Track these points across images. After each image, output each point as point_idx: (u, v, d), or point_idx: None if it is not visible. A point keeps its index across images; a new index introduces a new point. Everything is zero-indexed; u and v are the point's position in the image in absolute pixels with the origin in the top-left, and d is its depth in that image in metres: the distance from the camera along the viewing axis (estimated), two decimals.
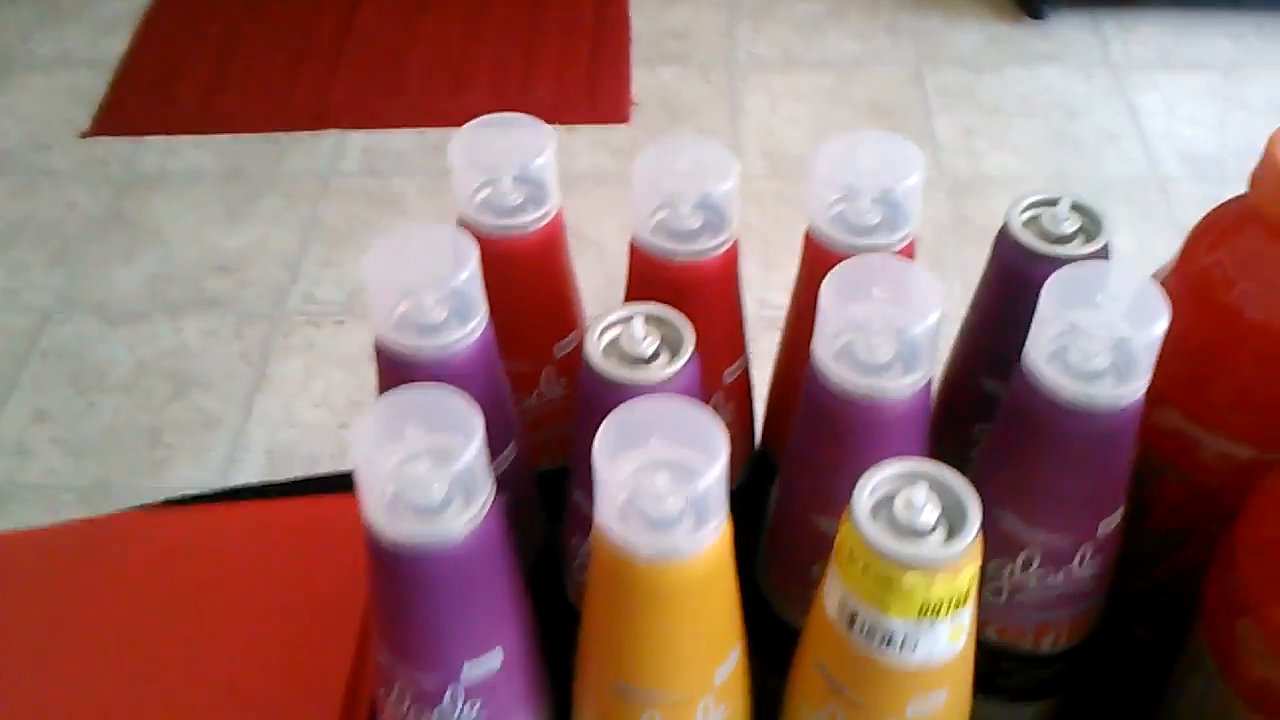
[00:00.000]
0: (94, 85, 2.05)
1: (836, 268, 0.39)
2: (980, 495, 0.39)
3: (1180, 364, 0.44)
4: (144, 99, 2.01)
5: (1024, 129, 1.89)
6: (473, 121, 0.45)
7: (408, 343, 0.40)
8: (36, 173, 1.91)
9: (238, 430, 1.56)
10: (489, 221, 0.44)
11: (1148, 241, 1.67)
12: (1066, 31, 2.09)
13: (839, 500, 0.36)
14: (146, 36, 2.12)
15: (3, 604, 0.53)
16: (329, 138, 1.94)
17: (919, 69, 2.02)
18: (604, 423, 0.34)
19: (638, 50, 2.07)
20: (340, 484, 0.58)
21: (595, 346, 0.40)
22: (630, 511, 0.34)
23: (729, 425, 0.47)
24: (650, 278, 0.43)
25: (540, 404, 0.49)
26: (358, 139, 1.93)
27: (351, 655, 0.48)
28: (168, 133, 1.96)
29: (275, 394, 1.61)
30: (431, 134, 1.92)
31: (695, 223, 0.43)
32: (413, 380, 0.40)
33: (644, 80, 2.01)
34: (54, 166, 1.92)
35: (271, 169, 1.90)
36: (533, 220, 0.44)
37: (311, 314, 1.70)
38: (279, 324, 1.69)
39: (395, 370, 0.40)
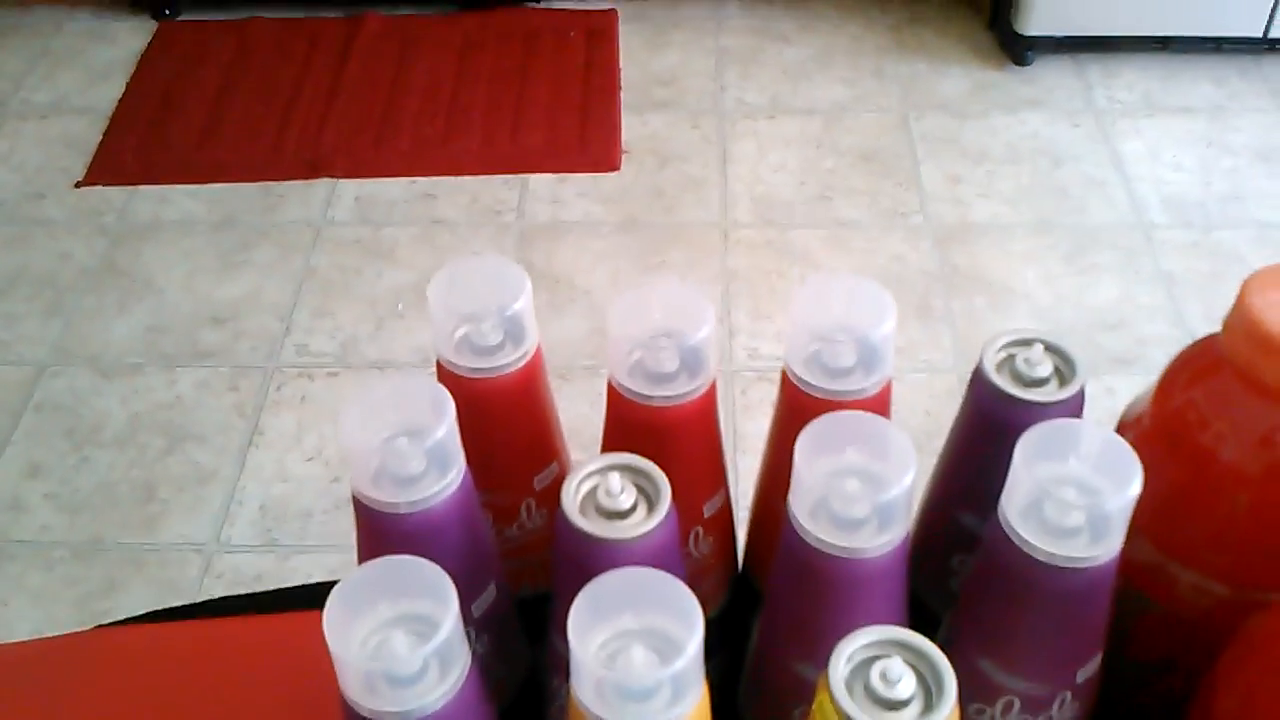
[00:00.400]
0: (88, 133, 2.06)
1: (812, 424, 0.39)
2: (959, 640, 0.40)
3: (1155, 501, 0.45)
4: (138, 147, 2.02)
5: (1010, 175, 1.90)
6: (450, 264, 0.45)
7: (386, 496, 0.40)
8: (31, 223, 1.92)
9: (231, 484, 1.56)
10: (468, 363, 0.44)
11: (1132, 289, 1.67)
12: (1051, 77, 2.10)
13: (819, 649, 0.36)
14: (139, 84, 2.13)
15: None
16: (321, 187, 1.94)
17: (905, 115, 2.03)
18: (578, 598, 0.35)
19: (627, 97, 2.08)
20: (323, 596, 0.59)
21: (573, 499, 0.40)
22: (606, 687, 0.34)
23: (709, 556, 0.48)
24: (629, 419, 0.44)
25: (521, 534, 0.49)
26: (350, 188, 1.94)
27: None
28: (161, 181, 1.97)
29: (268, 448, 1.61)
30: (423, 182, 1.93)
31: (673, 365, 0.44)
32: (392, 530, 0.40)
33: (634, 126, 2.02)
34: (49, 216, 1.93)
35: (264, 218, 1.91)
36: (512, 360, 0.45)
37: (304, 365, 1.70)
38: (272, 376, 1.69)
39: (374, 520, 0.41)
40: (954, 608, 0.43)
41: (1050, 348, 0.44)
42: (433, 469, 0.40)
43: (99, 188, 1.97)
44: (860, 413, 0.41)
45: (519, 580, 0.49)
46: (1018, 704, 0.41)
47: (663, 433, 0.43)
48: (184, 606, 0.59)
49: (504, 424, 0.46)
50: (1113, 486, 0.37)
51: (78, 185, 1.97)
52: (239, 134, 2.03)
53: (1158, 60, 2.10)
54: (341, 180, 1.95)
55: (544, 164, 1.92)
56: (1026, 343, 0.44)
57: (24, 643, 0.58)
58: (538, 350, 0.46)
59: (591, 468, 0.41)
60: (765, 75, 2.12)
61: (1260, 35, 1.99)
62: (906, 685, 0.34)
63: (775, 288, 1.72)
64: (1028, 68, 2.10)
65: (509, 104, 2.03)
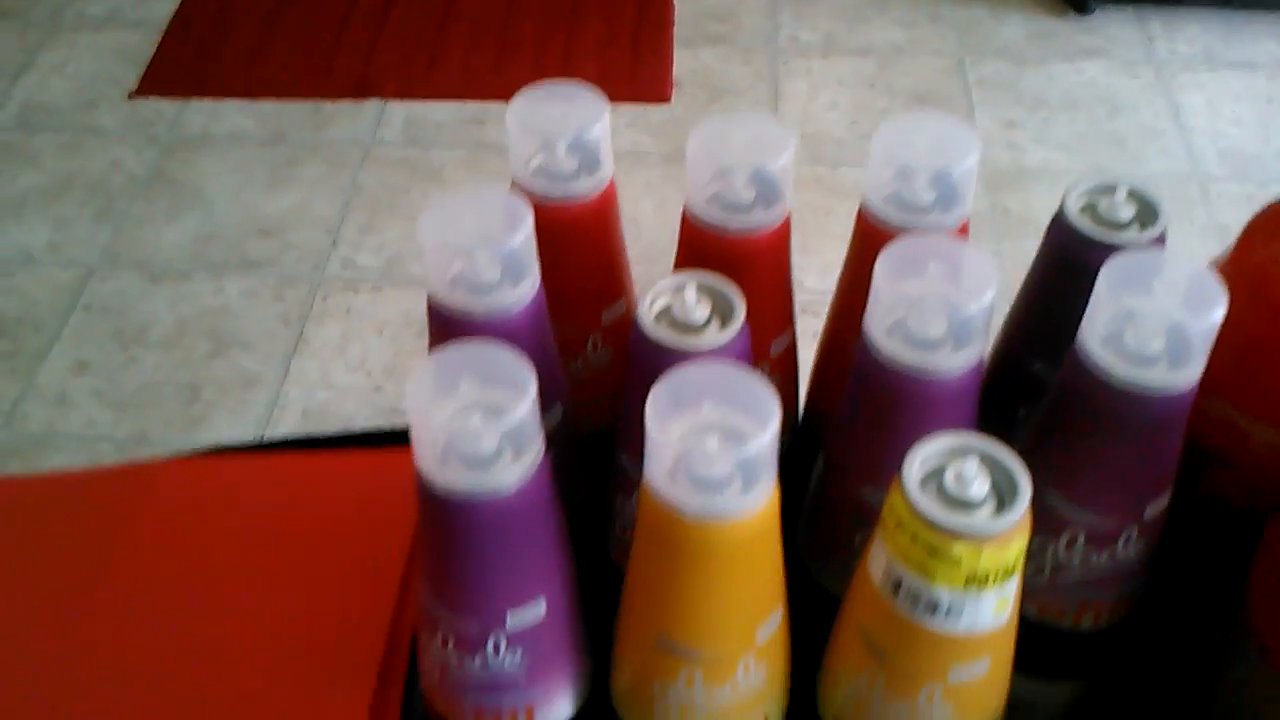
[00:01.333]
0: (141, 46, 2.06)
1: (891, 244, 0.39)
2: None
3: (1231, 356, 0.44)
4: (190, 61, 2.03)
5: (1066, 123, 1.88)
6: (529, 88, 0.45)
7: (460, 302, 0.40)
8: (84, 131, 1.93)
9: (275, 390, 1.57)
10: (543, 188, 0.44)
11: (1186, 240, 1.65)
12: (1112, 28, 2.07)
13: (885, 473, 0.36)
14: None
15: (41, 545, 0.54)
16: (371, 107, 1.94)
17: (961, 59, 2.01)
18: (656, 384, 0.35)
19: (680, 31, 2.06)
20: (381, 440, 0.59)
21: (648, 313, 0.40)
22: (679, 472, 0.35)
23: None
24: (702, 249, 0.44)
25: (585, 369, 0.49)
26: (399, 109, 1.94)
27: (393, 604, 0.49)
28: (213, 95, 1.97)
29: (313, 356, 1.62)
30: (472, 107, 1.93)
31: (749, 196, 0.44)
32: (464, 336, 0.40)
33: (685, 61, 2.00)
34: (101, 125, 1.94)
35: (314, 135, 1.91)
36: (586, 188, 0.45)
37: (350, 279, 1.71)
38: (318, 288, 1.70)
39: (447, 329, 0.41)
40: (1021, 443, 0.42)
41: (1133, 193, 0.44)
42: (508, 278, 0.41)
43: (151, 99, 1.97)
44: (940, 235, 0.41)
45: (579, 419, 0.50)
46: (1082, 538, 0.41)
47: (735, 263, 0.43)
48: (243, 444, 0.59)
49: (575, 253, 0.46)
50: (1196, 312, 0.37)
51: (130, 96, 1.98)
52: (291, 52, 2.03)
53: (1220, 15, 2.07)
54: (391, 101, 1.95)
55: None
56: (1108, 188, 0.44)
57: (78, 472, 0.58)
58: (612, 182, 0.46)
59: (667, 285, 0.41)
60: (820, 15, 2.10)
61: None
62: (980, 486, 0.34)
63: (823, 225, 1.71)
64: (1089, 17, 2.07)
65: (561, 33, 2.02)
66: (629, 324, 0.41)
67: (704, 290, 0.41)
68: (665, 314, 0.40)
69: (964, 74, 1.98)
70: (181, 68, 2.02)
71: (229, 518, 0.54)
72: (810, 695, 0.43)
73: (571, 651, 0.42)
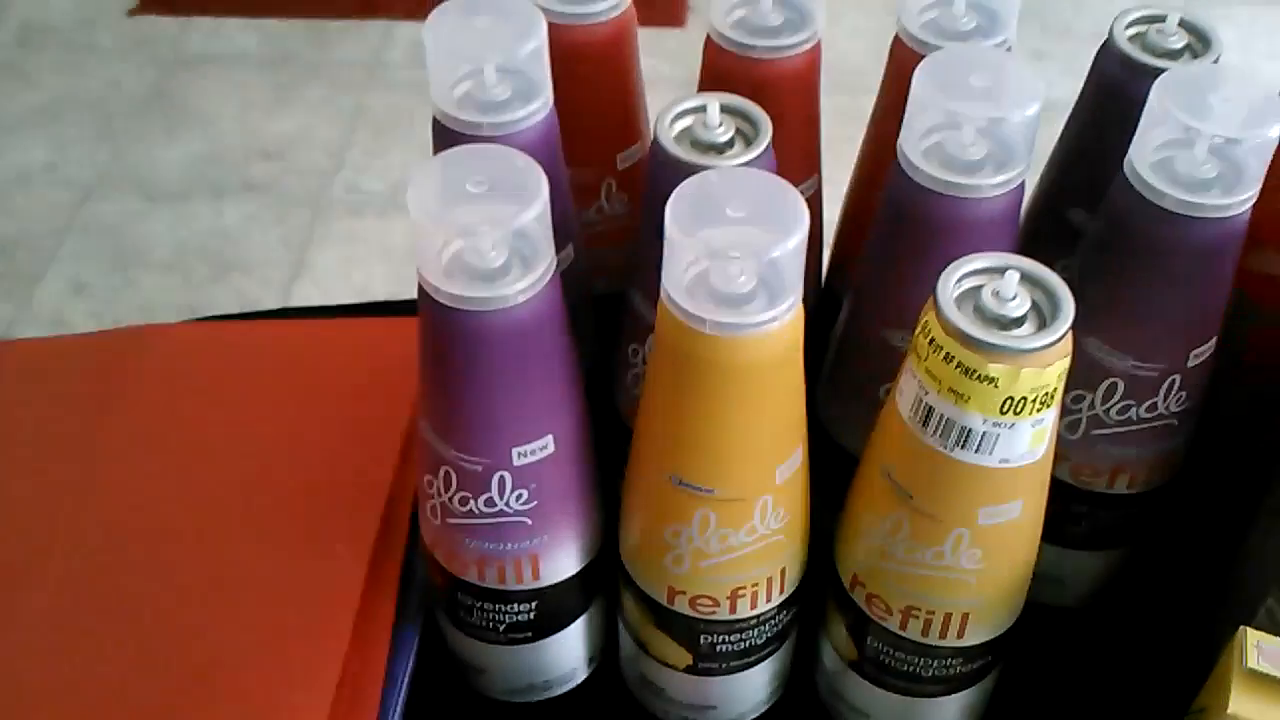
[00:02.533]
0: None
1: (930, 57, 0.37)
2: None
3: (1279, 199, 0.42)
4: None
5: (1094, 56, 1.84)
6: None
7: (466, 118, 0.37)
8: (82, 49, 1.89)
9: (279, 308, 1.55)
10: (557, 8, 0.42)
11: None
12: None
13: (916, 313, 0.34)
14: None
15: (35, 406, 0.51)
16: (376, 27, 1.91)
17: None
18: (678, 189, 0.32)
19: None
20: (379, 310, 0.57)
21: (667, 132, 0.37)
22: (699, 284, 0.32)
23: None
24: (726, 74, 0.41)
25: (599, 220, 0.47)
26: (405, 30, 1.90)
27: (393, 467, 0.47)
28: (214, 13, 1.94)
29: (315, 282, 1.59)
30: None
31: (777, 19, 0.41)
32: None
33: None
34: (100, 43, 1.90)
35: (318, 56, 1.87)
36: (603, 9, 0.42)
37: (354, 204, 1.68)
38: (321, 212, 1.67)
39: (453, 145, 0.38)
40: None
41: (1184, 23, 0.41)
42: (518, 95, 0.38)
43: (151, 17, 1.94)
44: (981, 47, 0.38)
45: (593, 275, 0.47)
46: (1122, 387, 0.39)
47: (762, 91, 0.40)
48: (240, 314, 0.57)
49: (590, 83, 0.43)
50: (1252, 128, 0.34)
51: (130, 14, 1.94)
52: None
53: None
54: (397, 21, 1.91)
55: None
56: (1159, 17, 0.41)
57: (75, 336, 0.56)
58: (630, 6, 0.43)
59: (688, 104, 0.38)
60: None
61: None
62: (1020, 304, 0.32)
63: (841, 153, 1.67)
64: None
65: None
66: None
67: (728, 111, 0.38)
68: (686, 134, 0.38)
69: None
70: None
71: (224, 382, 0.52)
72: (828, 562, 0.41)
73: (580, 499, 0.39)
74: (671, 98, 0.38)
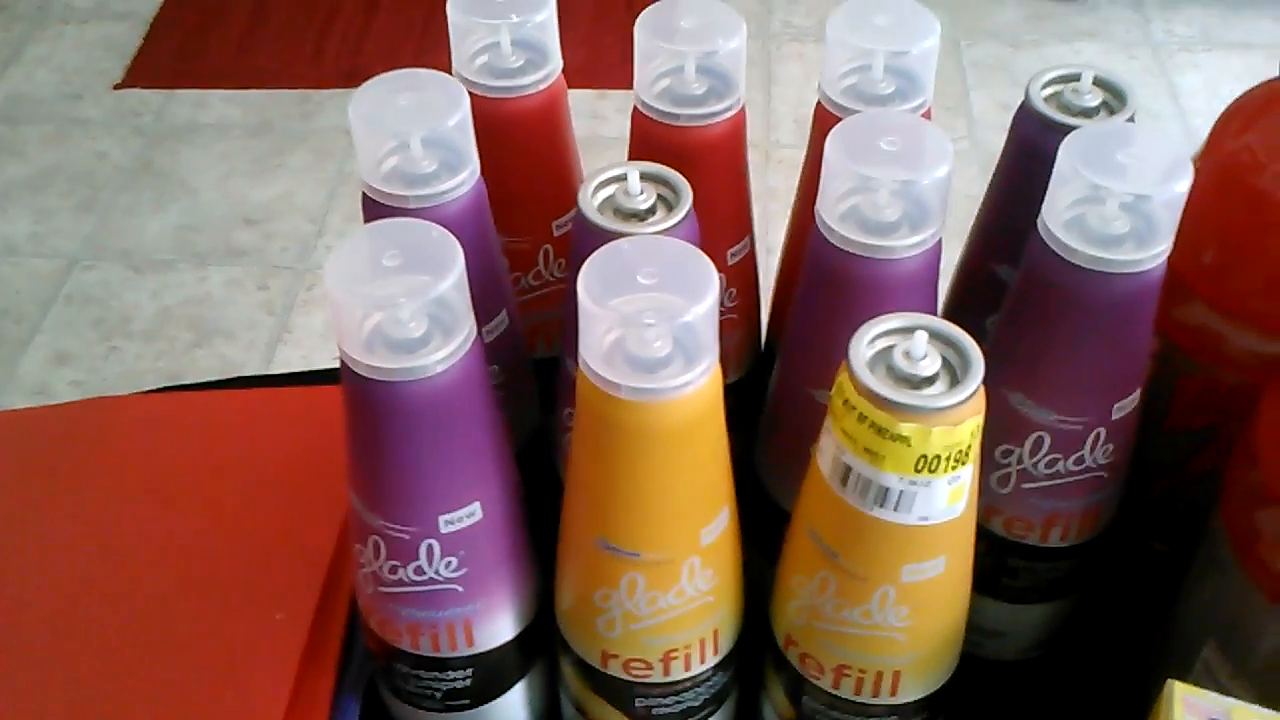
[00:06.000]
0: (128, 38, 2.05)
1: (843, 122, 0.37)
2: (988, 375, 0.37)
3: (1207, 252, 0.43)
4: (177, 52, 2.01)
5: None
6: None
7: (393, 192, 0.38)
8: (68, 121, 1.91)
9: (247, 375, 1.55)
10: (488, 82, 0.42)
11: None
12: (1108, 9, 2.05)
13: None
14: None
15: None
16: None
17: (956, 41, 1.99)
18: (590, 258, 0.33)
19: None
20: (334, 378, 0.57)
21: (589, 201, 0.38)
22: (614, 349, 0.32)
23: (732, 310, 0.46)
24: (653, 142, 0.42)
25: (538, 285, 0.47)
26: None
27: (336, 536, 0.47)
28: (199, 86, 1.96)
29: (297, 345, 1.60)
30: None
31: (700, 88, 0.42)
32: None
33: None
34: (86, 116, 1.92)
35: (300, 125, 1.89)
36: (533, 82, 0.43)
37: None
38: (302, 277, 1.68)
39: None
40: (985, 345, 0.40)
41: (1099, 80, 0.42)
42: (444, 167, 0.38)
43: (137, 90, 1.96)
44: (893, 110, 0.39)
45: (534, 339, 0.48)
46: (1048, 440, 0.39)
47: (687, 158, 0.41)
48: (197, 384, 0.58)
49: (522, 154, 0.44)
50: (1161, 184, 0.35)
51: (116, 87, 1.96)
52: (279, 42, 2.02)
53: None
54: None
55: (585, 80, 1.89)
56: (1073, 76, 0.42)
57: (28, 410, 0.57)
58: (560, 77, 0.44)
59: (610, 173, 0.39)
60: None
61: None
62: (930, 364, 0.32)
63: None
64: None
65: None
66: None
67: (649, 178, 0.39)
68: (609, 202, 0.38)
69: (959, 56, 1.96)
70: (168, 59, 2.00)
71: (178, 450, 0.52)
72: (765, 621, 0.41)
73: (512, 564, 0.39)
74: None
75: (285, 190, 1.80)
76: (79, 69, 2.00)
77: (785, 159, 1.75)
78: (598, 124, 1.84)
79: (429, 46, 1.98)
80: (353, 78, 1.94)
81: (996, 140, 1.94)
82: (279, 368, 1.56)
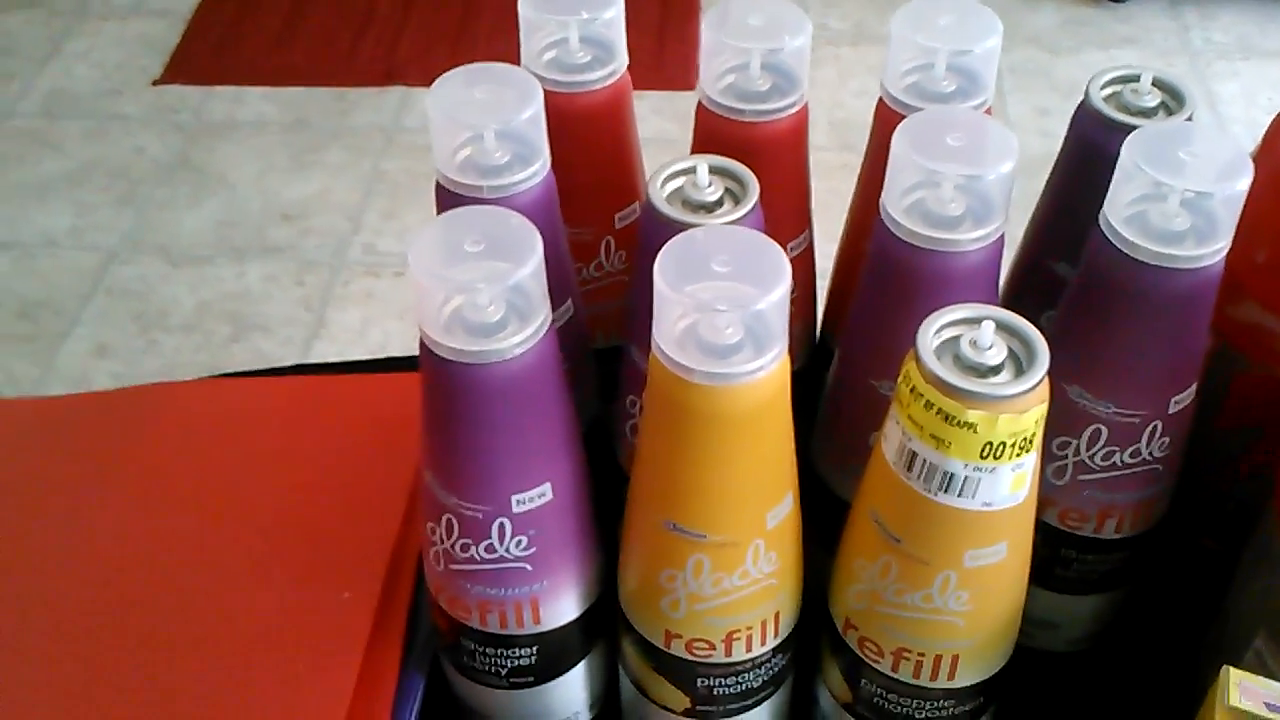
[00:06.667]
0: (167, 35, 2.07)
1: (909, 118, 0.38)
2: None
3: (1261, 251, 0.43)
4: (215, 49, 2.03)
5: None
6: None
7: (467, 183, 0.39)
8: (107, 117, 1.93)
9: (295, 365, 1.57)
10: (555, 77, 0.43)
11: None
12: (1146, 17, 2.05)
13: (901, 362, 0.35)
14: None
15: (47, 463, 0.53)
16: (394, 94, 1.95)
17: None
18: (666, 246, 0.34)
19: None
20: (390, 366, 0.58)
21: (659, 192, 0.39)
22: (687, 335, 0.33)
23: (791, 303, 0.47)
24: (717, 137, 0.43)
25: (599, 275, 0.48)
26: (423, 96, 1.93)
27: (401, 517, 0.48)
28: (237, 83, 1.98)
29: (333, 340, 1.61)
30: None
31: (765, 84, 0.43)
32: None
33: None
34: (125, 112, 1.94)
35: (337, 122, 1.91)
36: (600, 78, 0.44)
37: (371, 264, 1.71)
38: (339, 273, 1.70)
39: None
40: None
41: (1158, 81, 0.42)
42: (517, 159, 0.40)
43: (175, 86, 1.98)
44: (959, 108, 0.39)
45: (593, 329, 0.49)
46: (1105, 433, 0.40)
47: (751, 153, 0.42)
48: (257, 371, 0.59)
49: (588, 147, 0.45)
50: (1222, 181, 0.36)
51: (154, 83, 1.98)
52: (315, 40, 2.04)
53: (1255, 3, 2.05)
54: (415, 88, 1.95)
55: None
56: (1133, 77, 0.43)
57: (94, 394, 0.58)
58: (626, 74, 0.45)
59: (678, 166, 0.40)
60: (851, 3, 2.09)
61: None
62: (997, 353, 0.33)
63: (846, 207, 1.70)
64: (1123, 5, 2.05)
65: None
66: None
67: (716, 171, 0.40)
68: (677, 194, 0.39)
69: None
70: (206, 55, 2.02)
71: (237, 436, 0.54)
72: (823, 606, 0.42)
73: (579, 545, 0.40)
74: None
75: (322, 187, 1.81)
76: (118, 65, 2.02)
77: (819, 161, 1.75)
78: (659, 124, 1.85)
79: (464, 47, 2.00)
80: (389, 76, 1.96)
81: (1033, 144, 1.94)
82: (314, 361, 1.58)
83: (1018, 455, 0.33)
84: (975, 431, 0.33)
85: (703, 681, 0.41)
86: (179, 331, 1.63)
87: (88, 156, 1.87)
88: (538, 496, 0.38)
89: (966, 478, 0.34)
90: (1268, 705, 0.35)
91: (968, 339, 0.33)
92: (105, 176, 1.84)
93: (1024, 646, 0.45)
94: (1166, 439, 0.40)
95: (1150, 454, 0.41)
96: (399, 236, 1.74)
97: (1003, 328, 0.34)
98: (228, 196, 1.81)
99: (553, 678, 0.43)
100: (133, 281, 1.69)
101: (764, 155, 0.42)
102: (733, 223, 0.38)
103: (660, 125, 1.84)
